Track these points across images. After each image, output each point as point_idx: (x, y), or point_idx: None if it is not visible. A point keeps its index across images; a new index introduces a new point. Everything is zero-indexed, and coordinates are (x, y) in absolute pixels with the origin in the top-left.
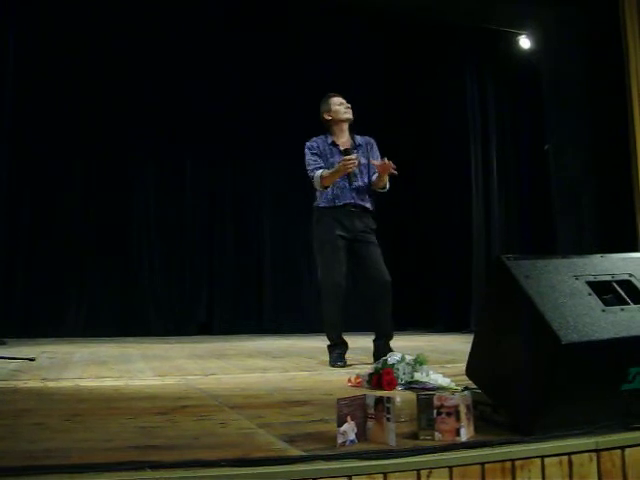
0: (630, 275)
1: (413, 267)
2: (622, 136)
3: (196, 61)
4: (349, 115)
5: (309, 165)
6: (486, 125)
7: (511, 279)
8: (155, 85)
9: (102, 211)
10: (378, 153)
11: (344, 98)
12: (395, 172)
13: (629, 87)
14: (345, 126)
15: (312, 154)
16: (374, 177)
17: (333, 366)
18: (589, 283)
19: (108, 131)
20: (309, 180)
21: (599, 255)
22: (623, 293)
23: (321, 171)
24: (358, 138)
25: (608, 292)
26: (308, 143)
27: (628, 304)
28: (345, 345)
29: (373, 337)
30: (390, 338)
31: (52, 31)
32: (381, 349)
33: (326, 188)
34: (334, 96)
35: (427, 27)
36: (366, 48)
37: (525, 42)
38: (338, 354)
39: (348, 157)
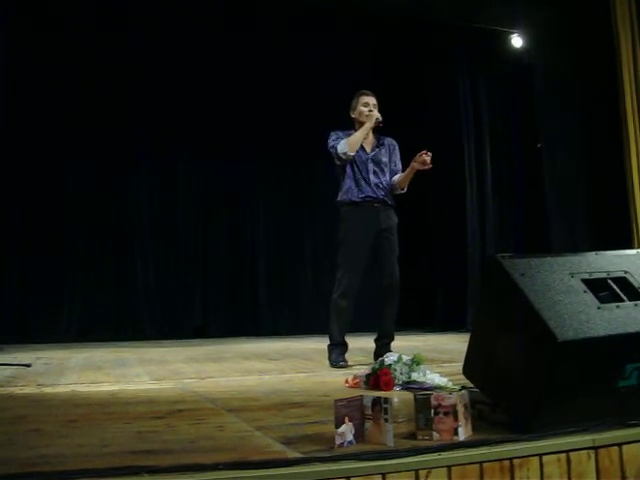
0: (625, 272)
1: (409, 267)
2: (614, 133)
3: (188, 61)
4: (371, 121)
5: (331, 142)
6: (479, 124)
7: (506, 278)
8: (148, 84)
9: (95, 215)
10: (399, 156)
11: (374, 97)
12: (429, 166)
13: (621, 84)
14: None
15: (336, 138)
16: (396, 177)
17: (334, 366)
18: (584, 281)
19: (101, 132)
20: (333, 158)
21: (594, 252)
22: (618, 290)
23: (346, 139)
24: (382, 137)
25: (603, 289)
26: (333, 131)
27: (624, 301)
28: (345, 346)
29: (375, 337)
30: (392, 339)
31: (46, 29)
32: (382, 350)
33: (353, 153)
34: (363, 95)
35: (419, 26)
36: (359, 48)
37: (517, 41)
38: (339, 354)
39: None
